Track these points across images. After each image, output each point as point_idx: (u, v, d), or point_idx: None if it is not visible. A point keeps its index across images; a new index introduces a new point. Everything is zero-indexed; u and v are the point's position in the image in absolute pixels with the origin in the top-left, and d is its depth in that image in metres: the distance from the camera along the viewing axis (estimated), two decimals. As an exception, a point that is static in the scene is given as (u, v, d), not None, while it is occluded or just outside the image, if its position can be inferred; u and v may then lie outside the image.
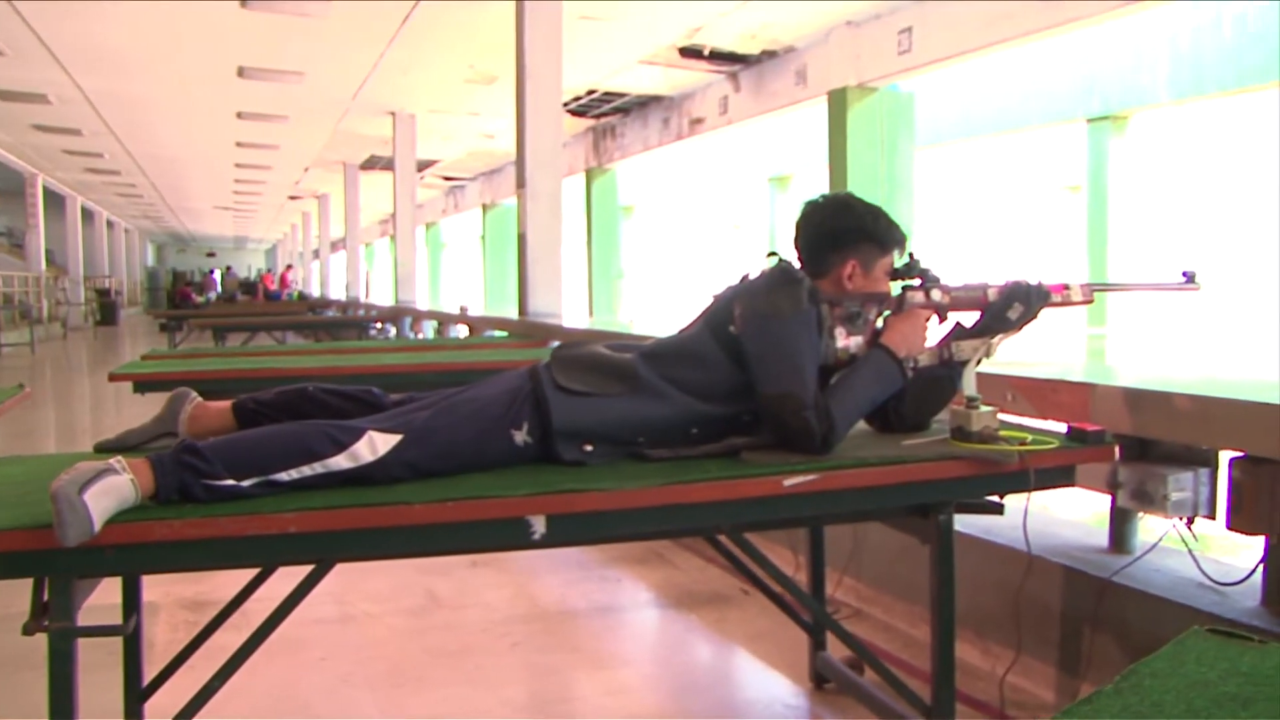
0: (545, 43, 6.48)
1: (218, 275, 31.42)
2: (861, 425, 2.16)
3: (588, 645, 3.02)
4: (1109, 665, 2.34)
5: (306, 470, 1.74)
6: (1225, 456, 2.20)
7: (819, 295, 1.98)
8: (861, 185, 7.75)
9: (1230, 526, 2.13)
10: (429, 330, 10.23)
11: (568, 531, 1.75)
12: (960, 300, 2.10)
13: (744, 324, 1.94)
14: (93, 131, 14.69)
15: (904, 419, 2.12)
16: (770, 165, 14.92)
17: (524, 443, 1.90)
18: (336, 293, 22.09)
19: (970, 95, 12.40)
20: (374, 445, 1.79)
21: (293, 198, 23.17)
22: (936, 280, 2.11)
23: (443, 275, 26.03)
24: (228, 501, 1.66)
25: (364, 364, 4.69)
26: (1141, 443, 2.37)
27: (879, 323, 2.07)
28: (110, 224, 30.97)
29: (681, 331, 2.07)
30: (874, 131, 7.80)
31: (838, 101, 7.86)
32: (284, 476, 1.72)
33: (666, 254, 20.12)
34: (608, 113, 11.68)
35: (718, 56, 8.90)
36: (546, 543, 1.75)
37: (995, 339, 2.07)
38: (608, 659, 2.91)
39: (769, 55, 8.88)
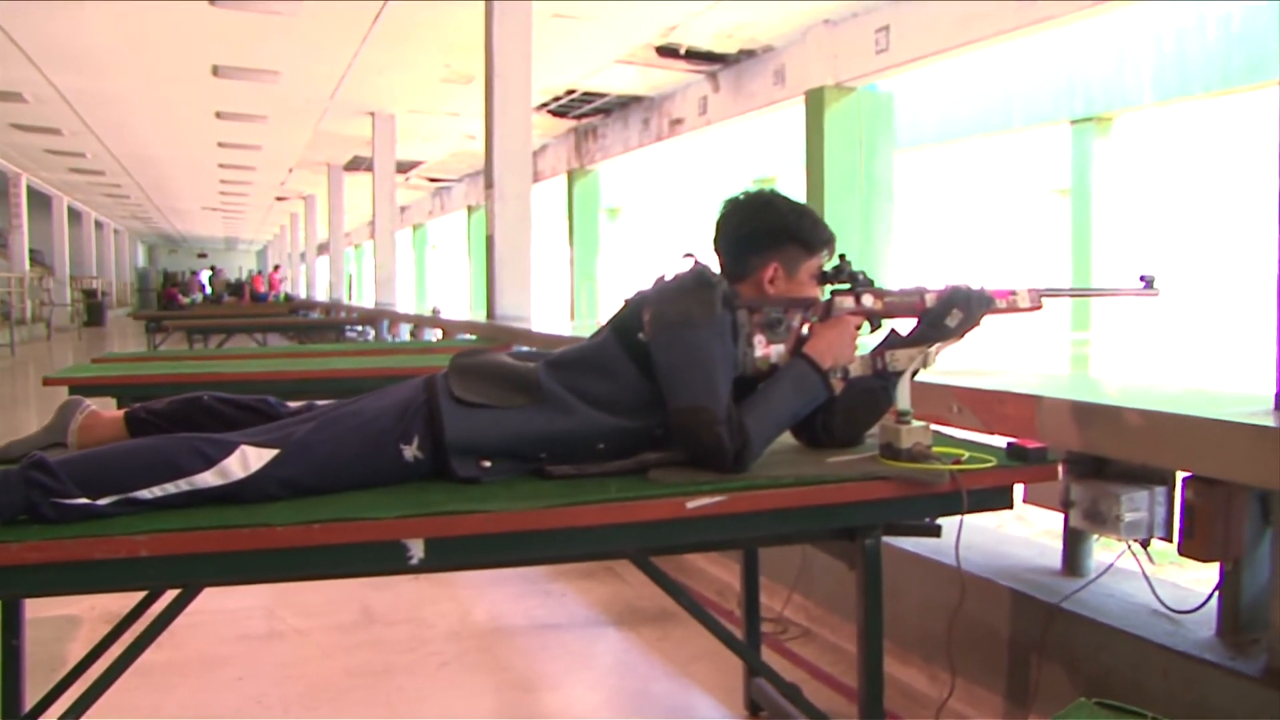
0: (514, 42, 6.32)
1: (204, 276, 31.13)
2: (789, 440, 2.01)
3: (519, 666, 2.87)
4: (1058, 696, 2.19)
5: (170, 488, 1.60)
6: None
7: (735, 300, 1.83)
8: (839, 187, 7.61)
9: (1182, 552, 1.98)
10: (406, 333, 10.09)
11: (448, 556, 1.60)
12: (894, 306, 1.95)
13: (653, 331, 1.79)
14: (72, 131, 14.53)
15: (833, 434, 1.97)
16: (755, 167, 14.76)
17: (414, 458, 1.75)
18: (323, 294, 21.92)
19: (954, 97, 12.28)
20: (246, 461, 1.65)
21: (279, 199, 23.00)
22: (869, 284, 1.96)
23: (432, 277, 25.87)
24: (80, 522, 1.52)
25: (313, 369, 4.54)
26: (1097, 459, 2.22)
27: (805, 330, 1.92)
28: (99, 224, 30.76)
29: (592, 338, 1.92)
30: (852, 132, 7.65)
31: (815, 101, 7.71)
32: (145, 494, 1.59)
33: (653, 256, 19.97)
34: (588, 113, 11.54)
35: (695, 56, 8.75)
36: (425, 568, 1.60)
37: (933, 348, 1.91)
38: (536, 681, 2.76)
39: (747, 55, 8.74)
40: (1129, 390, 2.31)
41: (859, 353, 1.93)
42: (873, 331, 1.98)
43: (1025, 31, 6.02)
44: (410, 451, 1.75)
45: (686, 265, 1.87)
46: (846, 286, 1.94)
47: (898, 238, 8.43)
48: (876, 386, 1.92)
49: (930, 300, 1.93)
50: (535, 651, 2.97)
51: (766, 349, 1.86)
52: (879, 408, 1.94)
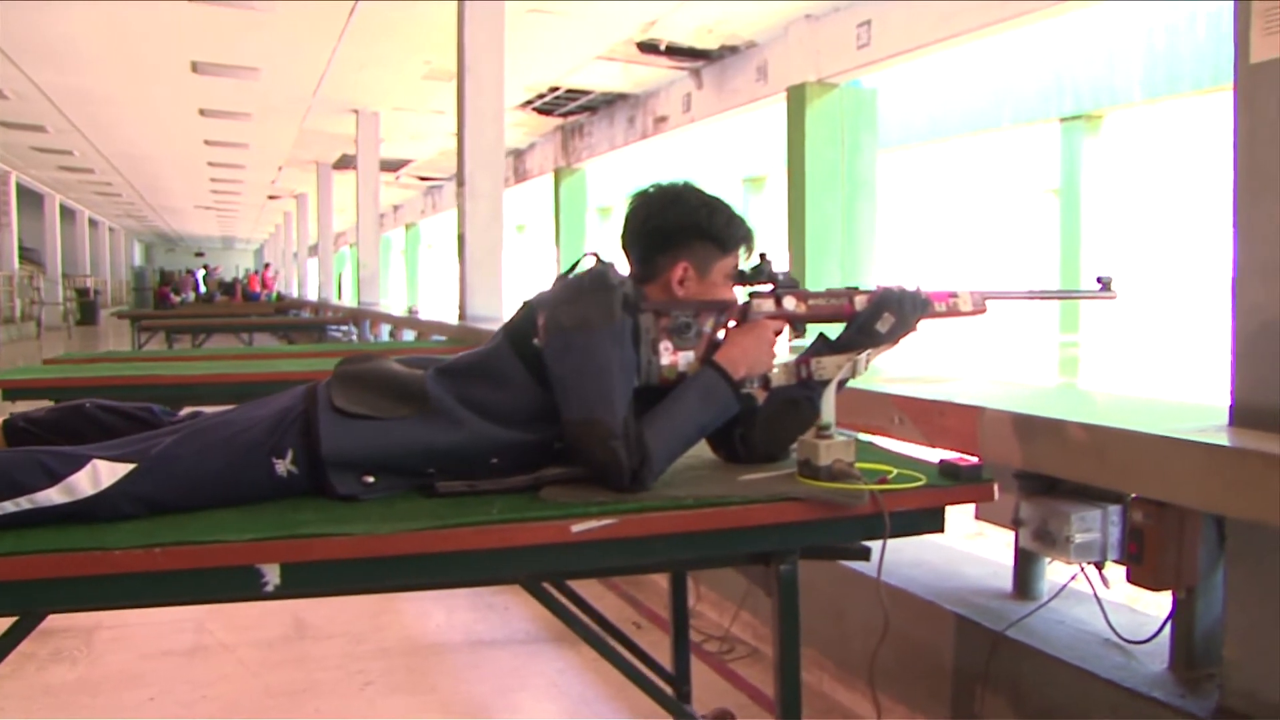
0: (486, 38, 6.19)
1: (200, 275, 31.00)
2: (706, 455, 1.86)
3: (445, 686, 2.71)
4: (1003, 729, 2.04)
5: (10, 506, 1.46)
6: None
7: (638, 304, 1.68)
8: (821, 185, 7.44)
9: (1131, 579, 1.83)
10: (386, 333, 9.96)
11: (308, 582, 1.45)
12: (820, 310, 1.79)
13: (547, 337, 1.64)
14: (58, 128, 14.39)
15: (753, 448, 1.81)
16: (744, 165, 14.62)
17: (288, 473, 1.60)
18: (314, 293, 21.76)
19: (943, 96, 12.12)
20: (97, 477, 1.50)
21: (272, 197, 22.84)
22: (792, 286, 1.80)
23: (429, 277, 25.69)
24: (-97, 544, 1.38)
25: (267, 370, 4.39)
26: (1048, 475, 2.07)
27: (721, 335, 1.77)
28: (93, 223, 30.63)
29: (487, 344, 1.77)
30: (834, 129, 7.47)
31: (797, 98, 7.54)
32: (-20, 513, 1.44)
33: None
34: (574, 111, 11.38)
35: (676, 52, 8.58)
36: (283, 594, 1.45)
37: (863, 355, 1.75)
38: (460, 705, 2.60)
39: (730, 51, 8.57)
40: (1075, 400, 2.15)
41: (782, 360, 1.77)
42: (796, 337, 1.83)
43: (1009, 26, 5.86)
44: (283, 466, 1.60)
45: (588, 264, 1.72)
46: (767, 288, 1.78)
47: (885, 237, 8.26)
48: (800, 397, 1.76)
49: (860, 303, 1.77)
50: (465, 671, 2.82)
51: (674, 356, 1.70)
52: (803, 419, 1.76)
